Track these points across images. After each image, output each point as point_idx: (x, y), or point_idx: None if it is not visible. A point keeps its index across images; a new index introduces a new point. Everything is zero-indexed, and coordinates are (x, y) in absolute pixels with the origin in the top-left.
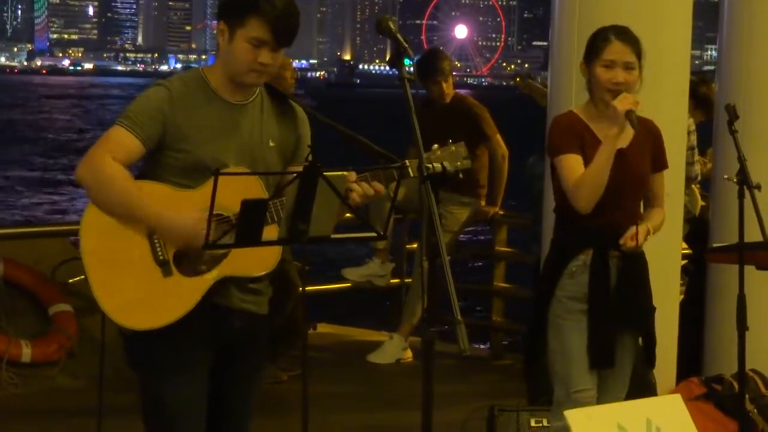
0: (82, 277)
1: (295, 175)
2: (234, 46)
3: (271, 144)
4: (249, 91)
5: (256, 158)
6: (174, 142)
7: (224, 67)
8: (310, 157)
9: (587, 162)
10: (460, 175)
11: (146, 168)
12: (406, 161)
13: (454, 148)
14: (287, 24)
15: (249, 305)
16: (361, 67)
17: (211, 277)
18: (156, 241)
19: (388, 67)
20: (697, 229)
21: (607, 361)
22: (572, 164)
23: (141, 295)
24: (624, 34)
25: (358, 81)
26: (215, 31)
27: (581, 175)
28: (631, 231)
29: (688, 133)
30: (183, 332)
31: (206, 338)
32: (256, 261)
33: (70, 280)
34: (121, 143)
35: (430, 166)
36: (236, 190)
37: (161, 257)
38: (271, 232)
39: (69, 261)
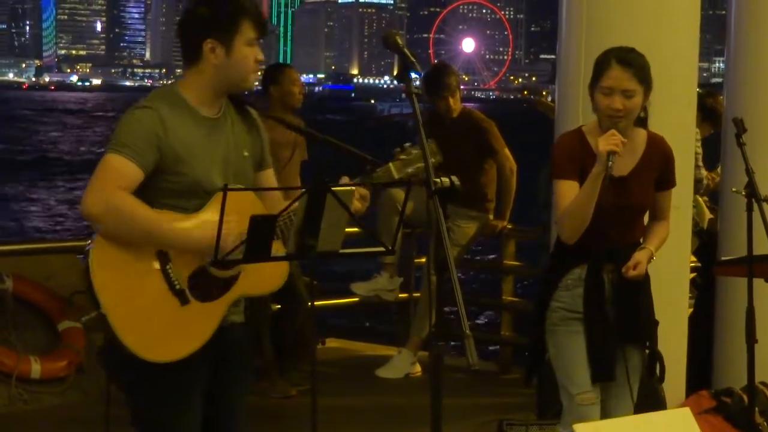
0: (94, 314)
1: (303, 190)
2: (235, 55)
3: (246, 154)
4: (220, 104)
5: (237, 172)
6: (170, 165)
7: (220, 81)
8: (270, 162)
9: (581, 183)
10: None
11: (140, 193)
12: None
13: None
14: (263, 16)
15: (234, 317)
16: (356, 80)
17: (227, 300)
18: (170, 270)
19: (383, 81)
20: (706, 243)
21: (606, 375)
22: (566, 191)
23: (163, 327)
24: (626, 59)
25: (354, 95)
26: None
27: (564, 210)
28: (633, 260)
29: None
30: (186, 359)
31: (205, 360)
32: (267, 278)
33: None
34: (123, 173)
35: (438, 180)
36: (236, 207)
37: (177, 286)
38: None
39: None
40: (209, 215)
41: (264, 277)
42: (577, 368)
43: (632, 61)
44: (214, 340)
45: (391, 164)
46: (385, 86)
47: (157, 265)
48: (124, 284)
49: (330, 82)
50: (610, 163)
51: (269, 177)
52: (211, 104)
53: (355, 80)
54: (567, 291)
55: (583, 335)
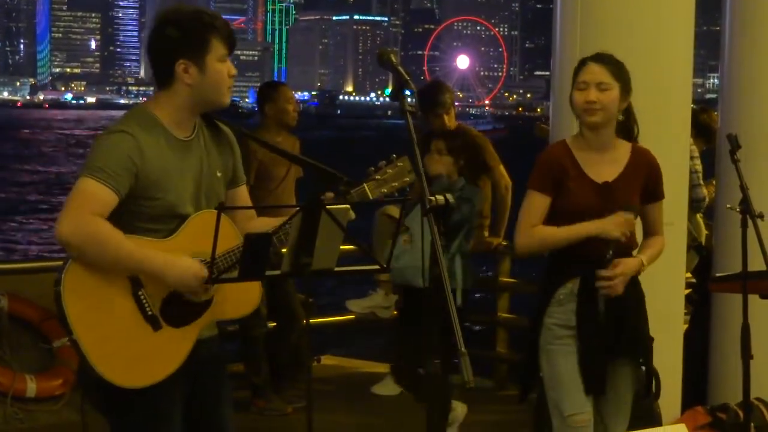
0: (66, 341)
1: (298, 209)
2: (209, 74)
3: (219, 174)
4: (192, 125)
5: (209, 193)
6: (145, 190)
7: (195, 101)
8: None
9: (566, 193)
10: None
11: (113, 216)
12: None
13: (400, 163)
14: (232, 31)
15: (209, 331)
16: (341, 98)
17: (199, 324)
18: (142, 297)
19: (369, 98)
20: (705, 258)
21: (597, 388)
22: (534, 204)
23: (136, 354)
24: (600, 57)
25: (339, 112)
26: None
27: (540, 232)
28: (612, 271)
29: (691, 158)
30: (169, 379)
31: (181, 379)
32: (241, 301)
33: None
34: (98, 198)
35: (432, 198)
36: (211, 231)
37: (149, 312)
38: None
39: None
40: (182, 240)
41: (237, 301)
42: (572, 388)
43: (607, 58)
44: (188, 358)
45: (365, 184)
46: (370, 103)
47: (129, 291)
48: (96, 310)
49: (316, 100)
50: (610, 253)
51: (242, 194)
52: (184, 125)
53: (340, 97)
54: (560, 306)
55: (576, 352)
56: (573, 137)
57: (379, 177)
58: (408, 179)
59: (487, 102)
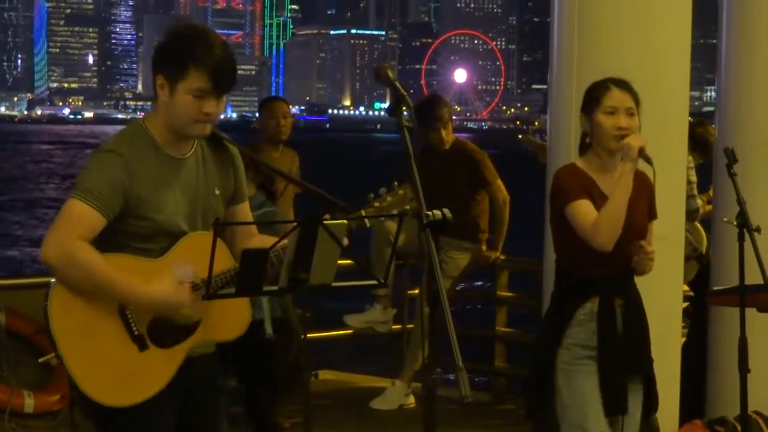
0: (51, 356)
1: (295, 224)
2: (177, 100)
3: (217, 192)
4: (189, 143)
5: (205, 211)
6: (134, 209)
7: (168, 120)
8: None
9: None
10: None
11: (104, 235)
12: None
13: (401, 191)
14: (226, 71)
15: (204, 349)
16: (330, 111)
17: (186, 346)
18: (129, 316)
19: (359, 111)
20: (705, 268)
21: (621, 408)
22: (585, 209)
23: (120, 373)
24: (622, 83)
25: (328, 126)
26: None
27: (599, 214)
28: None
29: (687, 168)
30: (155, 398)
31: (170, 395)
32: (229, 325)
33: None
34: (85, 220)
35: (430, 213)
36: (201, 253)
37: (136, 332)
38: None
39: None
40: (174, 259)
41: (225, 324)
42: (595, 409)
43: (628, 84)
44: (179, 374)
45: (363, 211)
46: (360, 117)
47: (116, 310)
48: (82, 328)
49: (305, 114)
50: (645, 152)
51: (243, 210)
52: (176, 143)
53: (329, 111)
54: (580, 326)
55: (596, 372)
56: (582, 159)
57: (378, 204)
58: (408, 207)
59: (484, 115)
